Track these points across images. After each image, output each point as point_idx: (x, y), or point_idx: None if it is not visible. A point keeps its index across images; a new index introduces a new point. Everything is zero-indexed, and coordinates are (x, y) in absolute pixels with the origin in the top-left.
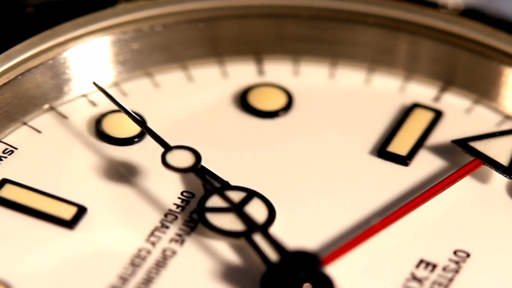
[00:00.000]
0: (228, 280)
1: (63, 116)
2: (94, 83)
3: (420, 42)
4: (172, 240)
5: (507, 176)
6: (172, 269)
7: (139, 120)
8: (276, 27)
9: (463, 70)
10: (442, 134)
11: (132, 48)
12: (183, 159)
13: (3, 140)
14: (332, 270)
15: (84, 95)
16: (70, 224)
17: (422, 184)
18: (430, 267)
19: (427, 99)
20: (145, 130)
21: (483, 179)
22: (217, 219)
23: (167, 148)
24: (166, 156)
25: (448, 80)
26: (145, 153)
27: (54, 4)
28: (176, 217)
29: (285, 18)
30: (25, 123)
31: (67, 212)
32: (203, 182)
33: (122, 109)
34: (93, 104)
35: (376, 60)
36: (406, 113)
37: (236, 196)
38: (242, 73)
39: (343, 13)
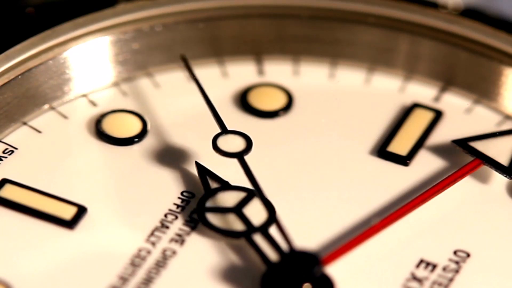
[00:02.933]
0: (228, 280)
1: (63, 116)
2: (182, 57)
3: (420, 42)
4: (172, 240)
5: (507, 176)
6: (172, 269)
7: (209, 99)
8: (276, 27)
9: (463, 70)
10: (442, 134)
11: (132, 48)
12: (232, 145)
13: (3, 140)
14: (332, 270)
15: (84, 95)
16: (70, 224)
17: (422, 184)
18: (430, 267)
19: (427, 99)
20: (211, 108)
21: (483, 179)
22: (217, 219)
23: (224, 130)
24: (217, 140)
25: (448, 80)
26: (145, 153)
27: (54, 4)
28: (176, 217)
29: (285, 18)
30: (25, 123)
31: (67, 212)
32: (246, 172)
33: (200, 90)
34: (93, 104)
35: (376, 60)
36: (406, 113)
37: (236, 196)
38: (242, 73)
39: (343, 13)
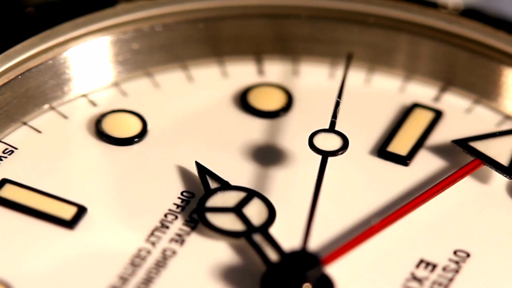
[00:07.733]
0: (228, 280)
1: (63, 116)
2: (348, 55)
3: (420, 42)
4: (172, 240)
5: (507, 176)
6: (172, 269)
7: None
8: (276, 27)
9: (463, 70)
10: (442, 134)
11: (132, 48)
12: (328, 143)
13: (3, 140)
14: (332, 270)
15: (84, 95)
16: (70, 224)
17: (422, 184)
18: (430, 267)
19: (427, 99)
20: (337, 104)
21: (483, 179)
22: (217, 219)
23: (331, 129)
24: (316, 134)
25: (448, 80)
26: (145, 153)
27: (54, 4)
28: (176, 217)
29: (285, 18)
30: (25, 123)
31: (67, 212)
32: (319, 172)
33: (341, 87)
34: (93, 104)
35: (376, 60)
36: (406, 113)
37: (236, 196)
38: (242, 73)
39: (343, 13)
